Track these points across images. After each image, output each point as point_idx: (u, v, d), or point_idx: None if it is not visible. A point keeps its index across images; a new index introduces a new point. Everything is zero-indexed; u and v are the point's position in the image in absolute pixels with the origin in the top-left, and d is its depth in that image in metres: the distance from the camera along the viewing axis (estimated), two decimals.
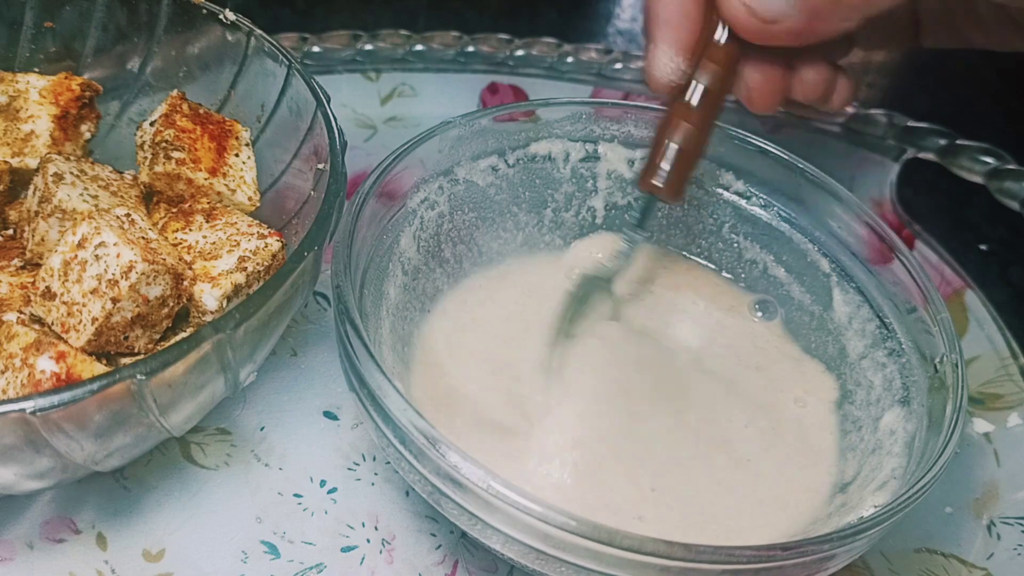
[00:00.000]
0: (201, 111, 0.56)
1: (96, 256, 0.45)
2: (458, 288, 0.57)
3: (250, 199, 0.55)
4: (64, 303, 0.46)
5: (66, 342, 0.45)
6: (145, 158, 0.54)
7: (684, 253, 0.61)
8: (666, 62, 0.51)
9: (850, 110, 0.80)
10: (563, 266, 0.60)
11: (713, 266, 0.61)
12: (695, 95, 0.51)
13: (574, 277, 0.58)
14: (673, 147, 0.51)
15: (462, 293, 0.57)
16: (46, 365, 0.43)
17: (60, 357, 0.43)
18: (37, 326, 0.46)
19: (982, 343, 0.65)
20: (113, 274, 0.45)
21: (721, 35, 0.51)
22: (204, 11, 0.57)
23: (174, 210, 0.53)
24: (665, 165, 0.51)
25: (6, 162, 0.53)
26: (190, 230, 0.51)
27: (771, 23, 0.48)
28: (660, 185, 0.51)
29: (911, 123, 0.80)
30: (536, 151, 0.59)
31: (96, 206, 0.49)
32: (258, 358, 0.48)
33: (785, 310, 0.59)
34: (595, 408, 0.51)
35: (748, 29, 0.49)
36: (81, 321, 0.46)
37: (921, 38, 0.61)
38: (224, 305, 0.49)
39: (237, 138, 0.56)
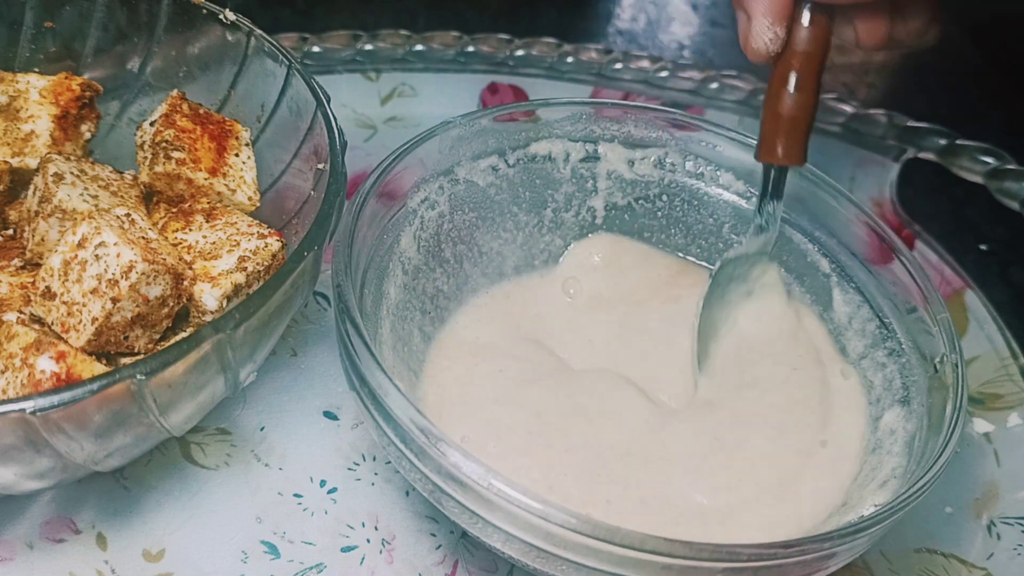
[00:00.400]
0: (201, 111, 0.56)
1: (96, 256, 0.45)
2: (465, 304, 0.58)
3: (250, 199, 0.55)
4: (64, 303, 0.46)
5: (66, 342, 0.45)
6: (145, 158, 0.54)
7: (679, 254, 0.61)
8: (764, 32, 0.52)
9: (850, 110, 0.80)
10: (560, 266, 0.60)
11: (712, 267, 0.61)
12: (796, 59, 0.52)
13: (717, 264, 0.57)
14: (785, 116, 0.52)
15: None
16: (46, 365, 0.43)
17: (60, 357, 0.43)
18: (37, 326, 0.46)
19: (982, 343, 0.65)
20: (113, 274, 0.45)
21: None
22: (204, 11, 0.57)
23: (174, 210, 0.53)
24: (780, 135, 0.52)
25: (6, 162, 0.53)
26: (190, 230, 0.51)
27: None
28: (780, 155, 0.53)
29: (911, 123, 0.80)
30: (536, 151, 0.59)
31: (96, 206, 0.49)
32: (258, 358, 0.48)
33: None
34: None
35: None
36: (81, 321, 0.45)
37: None
38: (224, 305, 0.49)
39: (237, 138, 0.56)
